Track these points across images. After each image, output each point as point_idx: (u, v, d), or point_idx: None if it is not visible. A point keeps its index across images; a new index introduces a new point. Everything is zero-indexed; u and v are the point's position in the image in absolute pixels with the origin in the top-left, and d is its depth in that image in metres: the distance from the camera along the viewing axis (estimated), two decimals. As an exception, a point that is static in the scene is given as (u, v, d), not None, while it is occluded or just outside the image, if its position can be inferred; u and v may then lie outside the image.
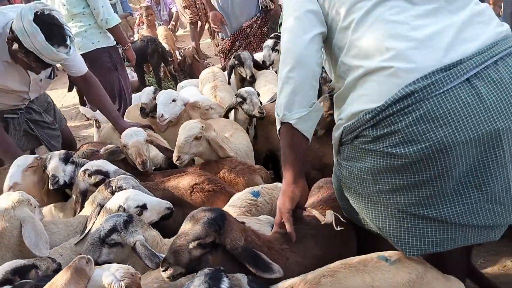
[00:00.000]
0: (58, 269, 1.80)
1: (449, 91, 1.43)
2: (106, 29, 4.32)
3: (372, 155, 1.58)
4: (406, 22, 1.53)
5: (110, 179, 2.31)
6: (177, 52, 7.26)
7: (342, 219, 1.80)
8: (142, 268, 1.82)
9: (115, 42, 4.46)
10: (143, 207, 2.06)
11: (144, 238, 1.85)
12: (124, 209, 2.01)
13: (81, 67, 3.15)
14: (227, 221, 1.62)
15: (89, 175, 2.43)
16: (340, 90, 1.72)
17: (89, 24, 4.20)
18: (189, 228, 1.60)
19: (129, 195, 2.07)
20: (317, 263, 1.76)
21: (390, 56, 1.50)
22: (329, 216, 1.75)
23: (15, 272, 1.73)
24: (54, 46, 2.47)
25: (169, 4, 8.86)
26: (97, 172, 2.44)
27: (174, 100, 3.48)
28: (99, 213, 2.11)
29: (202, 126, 2.70)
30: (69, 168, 2.53)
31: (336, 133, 1.77)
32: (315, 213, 1.78)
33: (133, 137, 2.73)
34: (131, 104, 4.43)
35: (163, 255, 1.70)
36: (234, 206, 2.29)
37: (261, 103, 3.22)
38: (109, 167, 2.49)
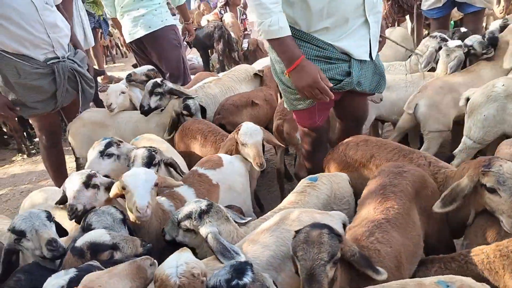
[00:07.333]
0: (143, 254, 1.66)
1: None
2: (177, 6, 4.60)
3: None
4: None
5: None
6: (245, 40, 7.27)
7: None
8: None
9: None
10: None
11: (218, 231, 1.81)
12: None
13: None
14: (336, 230, 1.56)
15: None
16: None
17: (159, 3, 4.34)
18: (316, 252, 1.46)
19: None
20: (403, 251, 1.74)
21: None
22: None
23: (90, 247, 1.66)
24: None
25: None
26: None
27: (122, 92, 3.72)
28: None
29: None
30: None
31: None
32: None
33: (253, 137, 2.57)
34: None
35: (237, 250, 1.72)
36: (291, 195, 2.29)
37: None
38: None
